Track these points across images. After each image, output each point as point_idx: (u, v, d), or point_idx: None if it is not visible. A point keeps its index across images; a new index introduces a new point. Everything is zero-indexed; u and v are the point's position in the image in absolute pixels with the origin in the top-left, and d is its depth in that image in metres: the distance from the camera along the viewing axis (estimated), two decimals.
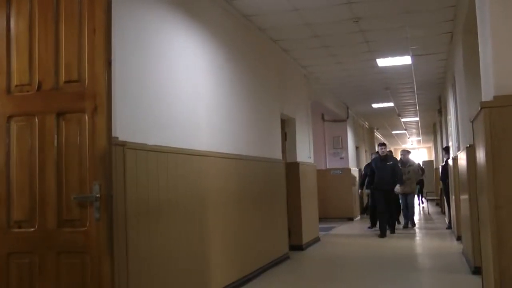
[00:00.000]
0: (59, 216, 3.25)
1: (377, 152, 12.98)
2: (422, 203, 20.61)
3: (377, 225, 12.15)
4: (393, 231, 12.09)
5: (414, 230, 12.80)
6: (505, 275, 3.68)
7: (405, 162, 13.74)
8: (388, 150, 12.91)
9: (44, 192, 3.28)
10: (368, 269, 7.60)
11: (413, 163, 14.44)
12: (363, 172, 14.91)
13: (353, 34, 8.38)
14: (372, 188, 12.26)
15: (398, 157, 15.28)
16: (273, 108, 8.50)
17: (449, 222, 12.48)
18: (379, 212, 11.86)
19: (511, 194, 3.69)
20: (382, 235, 11.46)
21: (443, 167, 12.68)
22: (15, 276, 3.31)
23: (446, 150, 13.15)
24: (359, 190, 15.29)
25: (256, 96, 7.64)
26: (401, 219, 13.44)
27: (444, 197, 13.14)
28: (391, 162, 12.18)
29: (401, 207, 13.47)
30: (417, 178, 14.51)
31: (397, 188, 12.04)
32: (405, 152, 14.45)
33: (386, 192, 11.86)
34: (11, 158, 3.34)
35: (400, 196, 13.16)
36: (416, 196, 18.05)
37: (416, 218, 15.39)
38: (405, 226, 13.07)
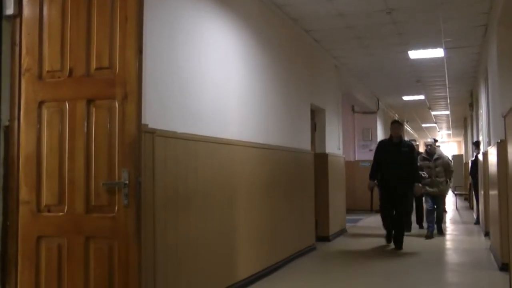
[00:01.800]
0: (88, 202, 3.25)
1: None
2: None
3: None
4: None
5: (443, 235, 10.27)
6: None
7: (431, 154, 10.25)
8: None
9: (73, 178, 3.27)
10: (393, 262, 7.49)
11: (442, 155, 10.47)
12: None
13: (386, 25, 8.23)
14: (378, 186, 8.75)
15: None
16: (303, 98, 8.41)
17: (477, 217, 12.23)
18: (386, 220, 8.82)
19: None
20: (397, 246, 8.57)
21: (473, 162, 12.39)
22: (44, 258, 3.32)
23: (477, 144, 12.86)
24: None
25: (286, 86, 7.56)
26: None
27: (473, 193, 12.82)
28: (406, 149, 8.61)
29: (417, 209, 11.20)
30: (448, 175, 10.48)
31: (419, 188, 8.64)
32: (432, 142, 10.82)
33: (397, 193, 8.38)
34: (41, 143, 3.35)
35: (425, 199, 10.32)
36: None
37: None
38: (429, 236, 9.80)
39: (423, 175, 9.62)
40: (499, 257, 6.55)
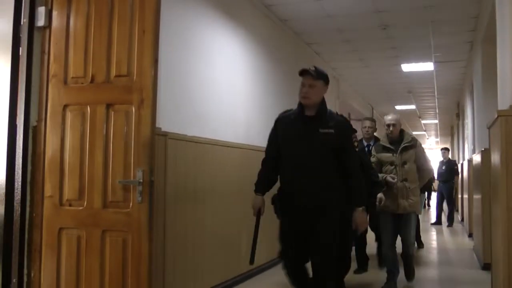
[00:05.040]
0: (105, 197, 3.28)
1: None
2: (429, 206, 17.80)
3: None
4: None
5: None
6: None
7: (397, 140, 5.37)
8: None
9: (92, 175, 3.31)
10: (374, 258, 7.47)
11: (416, 142, 5.53)
12: None
13: (381, 40, 8.28)
14: (275, 207, 4.28)
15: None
16: None
17: (440, 217, 12.47)
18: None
19: None
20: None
21: (446, 166, 12.38)
22: (65, 248, 3.35)
23: (447, 150, 12.89)
24: None
25: (289, 94, 7.59)
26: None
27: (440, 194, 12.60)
28: (329, 130, 3.64)
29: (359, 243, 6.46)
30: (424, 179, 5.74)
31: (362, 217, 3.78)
32: (396, 119, 5.51)
33: (308, 222, 3.81)
34: (65, 143, 3.38)
35: (381, 224, 5.42)
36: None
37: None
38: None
39: (386, 179, 5.16)
40: (482, 257, 6.57)
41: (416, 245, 6.51)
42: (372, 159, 5.41)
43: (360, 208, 3.67)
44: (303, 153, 3.59)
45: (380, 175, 5.23)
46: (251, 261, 3.76)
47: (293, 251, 3.74)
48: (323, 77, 3.70)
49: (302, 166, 3.60)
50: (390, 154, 5.31)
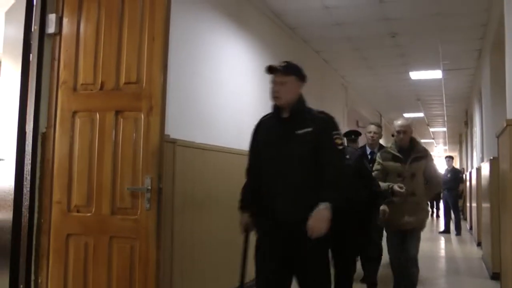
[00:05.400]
0: (113, 204, 3.28)
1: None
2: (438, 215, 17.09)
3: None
4: None
5: None
6: None
7: (408, 148, 4.80)
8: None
9: (101, 182, 3.31)
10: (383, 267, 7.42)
11: (427, 152, 4.95)
12: None
13: (390, 48, 8.26)
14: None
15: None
16: None
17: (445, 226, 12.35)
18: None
19: None
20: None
21: (451, 174, 12.34)
22: (73, 254, 3.35)
23: (451, 158, 12.87)
24: None
25: None
26: None
27: (445, 204, 12.59)
28: (307, 129, 3.17)
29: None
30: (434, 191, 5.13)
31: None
32: (407, 124, 4.87)
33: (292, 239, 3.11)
34: (73, 149, 3.38)
35: (387, 238, 4.96)
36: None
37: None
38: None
39: (392, 188, 4.58)
40: (491, 267, 6.52)
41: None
42: (376, 167, 4.87)
43: (324, 205, 2.96)
44: (280, 159, 3.11)
45: (383, 184, 4.66)
46: (241, 284, 3.36)
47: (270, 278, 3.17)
48: (294, 72, 3.25)
49: (279, 174, 3.10)
50: (398, 164, 4.72)
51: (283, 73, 3.19)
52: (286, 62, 3.27)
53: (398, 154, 4.75)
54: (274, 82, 3.20)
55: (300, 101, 3.25)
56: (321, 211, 2.95)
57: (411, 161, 4.69)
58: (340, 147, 3.17)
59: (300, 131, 3.11)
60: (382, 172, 4.80)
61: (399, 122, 4.83)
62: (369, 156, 5.63)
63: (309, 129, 3.11)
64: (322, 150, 3.09)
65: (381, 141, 6.50)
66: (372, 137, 5.91)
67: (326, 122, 3.22)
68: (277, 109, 3.24)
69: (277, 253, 3.11)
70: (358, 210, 4.08)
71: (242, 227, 3.35)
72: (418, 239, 4.82)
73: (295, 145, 3.11)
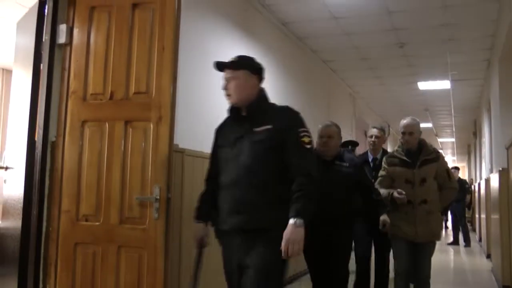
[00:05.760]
0: (122, 214, 3.28)
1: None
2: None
3: None
4: None
5: None
6: None
7: (415, 151, 4.37)
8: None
9: (109, 191, 3.31)
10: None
11: (439, 154, 4.52)
12: None
13: (398, 58, 8.26)
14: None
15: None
16: (320, 123, 8.41)
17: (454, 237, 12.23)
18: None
19: None
20: None
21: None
22: (80, 263, 3.35)
23: (457, 169, 12.77)
24: None
25: (304, 112, 7.57)
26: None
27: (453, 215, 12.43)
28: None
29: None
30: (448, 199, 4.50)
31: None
32: (415, 124, 4.45)
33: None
34: (83, 159, 3.39)
35: (393, 251, 4.42)
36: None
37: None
38: None
39: (392, 195, 4.16)
40: (500, 279, 6.44)
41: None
42: (381, 173, 4.45)
43: (296, 221, 2.57)
44: (235, 161, 2.79)
45: (384, 191, 4.24)
46: None
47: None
48: (246, 66, 2.93)
49: (235, 178, 2.77)
50: (406, 169, 4.29)
51: (232, 68, 2.91)
52: (238, 56, 3.01)
53: (405, 158, 4.31)
54: (224, 79, 2.92)
55: (260, 97, 2.92)
56: (295, 230, 2.57)
57: (420, 165, 4.26)
58: (308, 146, 2.79)
59: (258, 128, 2.78)
60: (387, 179, 4.38)
61: (404, 121, 4.40)
62: (371, 164, 5.13)
63: (269, 127, 2.76)
64: (287, 150, 2.74)
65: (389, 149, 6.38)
66: (374, 141, 5.21)
67: (289, 119, 2.85)
68: (234, 108, 2.94)
69: (233, 262, 2.82)
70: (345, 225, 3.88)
71: (196, 241, 3.02)
72: (431, 254, 4.34)
73: (252, 145, 2.76)
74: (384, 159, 4.55)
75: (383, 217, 4.19)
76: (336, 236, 3.80)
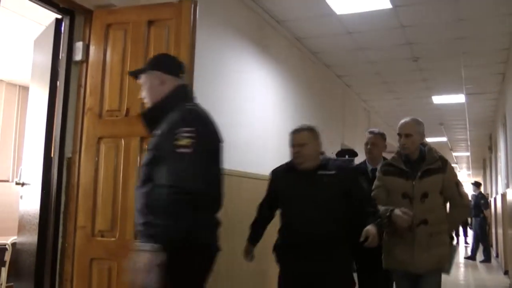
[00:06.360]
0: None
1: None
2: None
3: None
4: None
5: None
6: None
7: (415, 160, 3.51)
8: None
9: (125, 207, 3.30)
10: None
11: (446, 163, 3.61)
12: None
13: (412, 72, 8.22)
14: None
15: None
16: (335, 138, 8.40)
17: (472, 252, 12.07)
18: None
19: None
20: None
21: (474, 201, 12.09)
22: (96, 279, 3.34)
23: (477, 185, 12.60)
24: None
25: (319, 127, 7.57)
26: None
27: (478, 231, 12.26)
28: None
29: None
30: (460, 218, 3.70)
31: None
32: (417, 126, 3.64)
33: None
34: (98, 175, 3.40)
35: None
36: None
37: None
38: None
39: (393, 212, 3.31)
40: None
41: None
42: (376, 183, 3.60)
43: (145, 246, 2.10)
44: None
45: (382, 208, 3.33)
46: None
47: None
48: (152, 66, 2.55)
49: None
50: (403, 180, 3.42)
51: (141, 73, 2.57)
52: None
53: (402, 167, 3.46)
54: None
55: (167, 97, 2.48)
56: (139, 257, 2.09)
57: (421, 176, 3.37)
58: (183, 150, 2.19)
59: (155, 134, 2.38)
60: (383, 191, 3.53)
61: (402, 121, 3.60)
62: (370, 174, 4.17)
63: (159, 131, 2.34)
64: (161, 158, 2.24)
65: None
66: (370, 149, 4.29)
67: (173, 118, 2.32)
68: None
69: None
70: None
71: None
72: (438, 286, 3.44)
73: (146, 154, 2.44)
74: (378, 168, 3.74)
75: (368, 227, 2.98)
76: (330, 269, 3.00)
